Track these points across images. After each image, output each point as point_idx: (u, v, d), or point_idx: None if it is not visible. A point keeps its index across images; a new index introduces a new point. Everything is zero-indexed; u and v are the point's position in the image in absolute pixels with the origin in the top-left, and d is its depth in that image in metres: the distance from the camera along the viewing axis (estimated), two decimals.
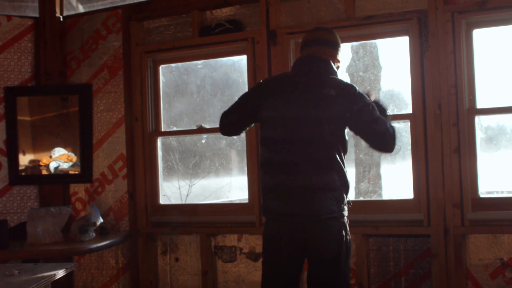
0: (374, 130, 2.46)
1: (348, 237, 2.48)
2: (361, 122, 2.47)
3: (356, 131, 2.52)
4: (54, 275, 2.44)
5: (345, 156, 2.53)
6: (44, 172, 4.01)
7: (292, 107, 2.48)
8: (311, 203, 2.41)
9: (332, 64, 2.59)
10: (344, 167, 2.49)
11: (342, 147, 2.49)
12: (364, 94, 2.52)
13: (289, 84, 2.56)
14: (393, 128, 2.52)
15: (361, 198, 3.76)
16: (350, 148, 3.89)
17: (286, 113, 2.48)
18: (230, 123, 2.71)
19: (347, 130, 2.54)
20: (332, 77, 2.54)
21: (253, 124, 2.73)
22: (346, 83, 2.54)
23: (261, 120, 2.59)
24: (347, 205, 2.51)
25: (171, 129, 4.05)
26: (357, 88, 2.51)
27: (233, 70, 4.22)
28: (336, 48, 2.64)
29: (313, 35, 2.65)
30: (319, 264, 2.46)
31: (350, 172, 3.90)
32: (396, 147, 2.55)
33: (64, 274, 2.57)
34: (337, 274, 2.44)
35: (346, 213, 2.49)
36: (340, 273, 2.44)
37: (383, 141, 2.49)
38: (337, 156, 2.45)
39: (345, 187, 2.48)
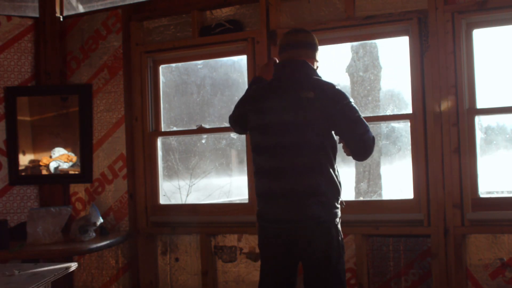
0: (354, 131, 2.43)
1: (339, 237, 2.47)
2: (343, 122, 2.44)
3: (338, 131, 2.49)
4: (54, 275, 2.44)
5: (335, 157, 2.50)
6: (44, 172, 4.01)
7: (274, 113, 2.49)
8: (296, 208, 2.42)
9: (311, 64, 2.58)
10: (334, 169, 2.47)
11: (331, 148, 2.47)
12: (345, 92, 2.48)
13: (270, 91, 2.57)
14: (372, 135, 2.48)
15: (361, 198, 3.76)
16: None
17: (270, 120, 2.50)
18: (233, 120, 2.76)
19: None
20: (311, 78, 2.52)
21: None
22: (325, 83, 2.51)
23: (249, 128, 2.64)
24: (339, 207, 2.49)
25: (171, 129, 4.05)
26: (337, 86, 2.48)
27: (233, 70, 4.22)
28: (314, 49, 2.62)
29: (291, 39, 2.61)
30: (310, 265, 2.47)
31: (350, 172, 3.91)
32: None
33: (64, 274, 2.57)
34: (329, 273, 2.44)
35: (337, 215, 2.47)
36: (332, 272, 2.44)
37: (360, 145, 2.45)
38: (325, 159, 2.44)
39: (334, 190, 2.46)
